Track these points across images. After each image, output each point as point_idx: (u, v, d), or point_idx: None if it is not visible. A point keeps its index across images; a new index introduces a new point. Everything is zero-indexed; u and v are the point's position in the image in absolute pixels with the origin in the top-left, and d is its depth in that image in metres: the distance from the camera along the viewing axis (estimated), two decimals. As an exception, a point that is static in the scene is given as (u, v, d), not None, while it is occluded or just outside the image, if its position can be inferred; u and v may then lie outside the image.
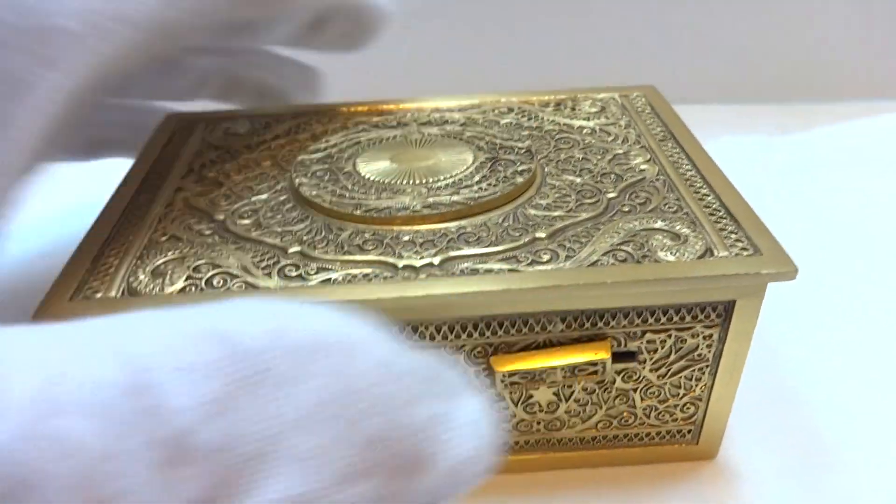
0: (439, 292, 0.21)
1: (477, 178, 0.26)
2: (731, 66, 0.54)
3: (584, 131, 0.29)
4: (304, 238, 0.23)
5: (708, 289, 0.22)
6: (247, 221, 0.24)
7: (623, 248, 0.22)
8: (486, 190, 0.25)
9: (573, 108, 0.31)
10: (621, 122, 0.30)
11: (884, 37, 0.54)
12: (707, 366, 0.24)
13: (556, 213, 0.24)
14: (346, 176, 0.26)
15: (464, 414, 0.14)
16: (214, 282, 0.22)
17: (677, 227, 0.23)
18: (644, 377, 0.24)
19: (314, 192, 0.25)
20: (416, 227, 0.23)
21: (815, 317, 0.33)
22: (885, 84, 0.54)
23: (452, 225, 0.24)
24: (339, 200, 0.25)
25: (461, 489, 0.14)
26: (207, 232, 0.24)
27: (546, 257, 0.22)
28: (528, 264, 0.22)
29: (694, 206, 0.24)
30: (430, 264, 0.22)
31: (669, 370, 0.24)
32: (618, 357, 0.23)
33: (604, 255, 0.22)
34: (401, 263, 0.22)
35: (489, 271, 0.21)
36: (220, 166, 0.28)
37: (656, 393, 0.24)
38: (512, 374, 0.22)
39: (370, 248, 0.23)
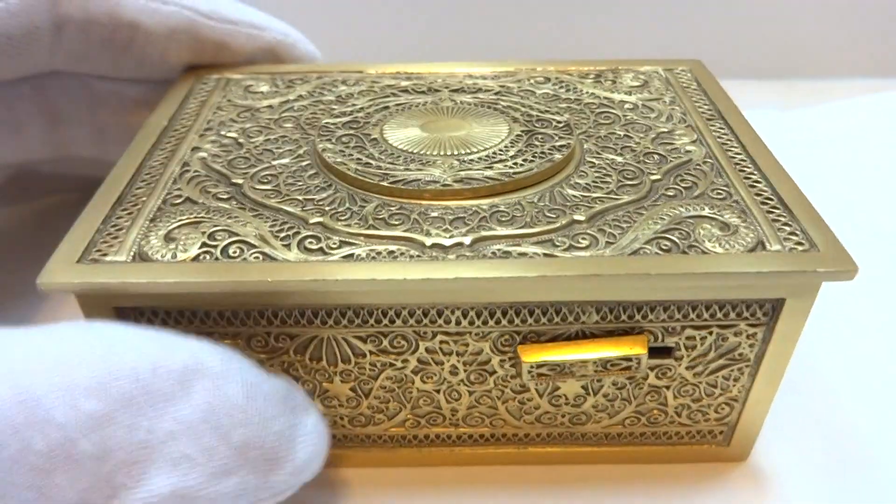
0: (469, 276, 0.19)
1: (512, 151, 0.24)
2: (738, 42, 0.53)
3: (626, 106, 0.28)
4: (327, 208, 0.22)
5: (757, 286, 0.20)
6: (266, 187, 0.23)
7: (668, 236, 0.21)
8: (521, 166, 0.23)
9: (614, 81, 0.30)
10: (665, 97, 0.28)
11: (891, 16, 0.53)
12: (748, 366, 0.22)
13: (595, 195, 0.22)
14: (373, 143, 0.25)
15: (308, 425, 0.18)
16: (231, 251, 0.20)
17: (726, 216, 0.21)
18: (679, 374, 0.22)
19: (338, 160, 0.24)
20: (445, 203, 0.22)
21: (856, 312, 0.31)
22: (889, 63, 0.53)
23: (485, 202, 0.22)
24: (365, 170, 0.23)
25: (305, 481, 0.18)
26: (224, 196, 0.23)
27: (585, 242, 0.20)
28: (566, 249, 0.20)
29: (744, 194, 0.22)
30: (460, 244, 0.20)
31: (707, 368, 0.22)
32: (654, 352, 0.22)
33: (647, 242, 0.20)
34: (429, 241, 0.20)
35: (523, 255, 0.20)
36: (241, 126, 0.27)
37: (690, 391, 0.23)
38: (540, 365, 0.21)
39: (397, 222, 0.21)
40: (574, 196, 0.22)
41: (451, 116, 0.26)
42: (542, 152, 0.24)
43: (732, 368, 0.22)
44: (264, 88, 0.29)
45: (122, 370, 0.15)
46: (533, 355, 0.21)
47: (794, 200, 0.22)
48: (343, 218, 0.21)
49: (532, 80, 0.30)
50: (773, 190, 0.23)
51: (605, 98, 0.28)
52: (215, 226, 0.21)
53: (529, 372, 0.21)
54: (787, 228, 0.21)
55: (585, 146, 0.25)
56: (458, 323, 0.21)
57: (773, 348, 0.22)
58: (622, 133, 0.26)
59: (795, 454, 0.25)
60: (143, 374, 0.15)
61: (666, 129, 0.26)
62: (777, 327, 0.21)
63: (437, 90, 0.28)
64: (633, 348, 0.21)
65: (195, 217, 0.22)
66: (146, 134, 0.26)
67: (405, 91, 0.28)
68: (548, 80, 0.30)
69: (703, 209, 0.22)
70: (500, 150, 0.24)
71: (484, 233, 0.21)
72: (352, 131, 0.25)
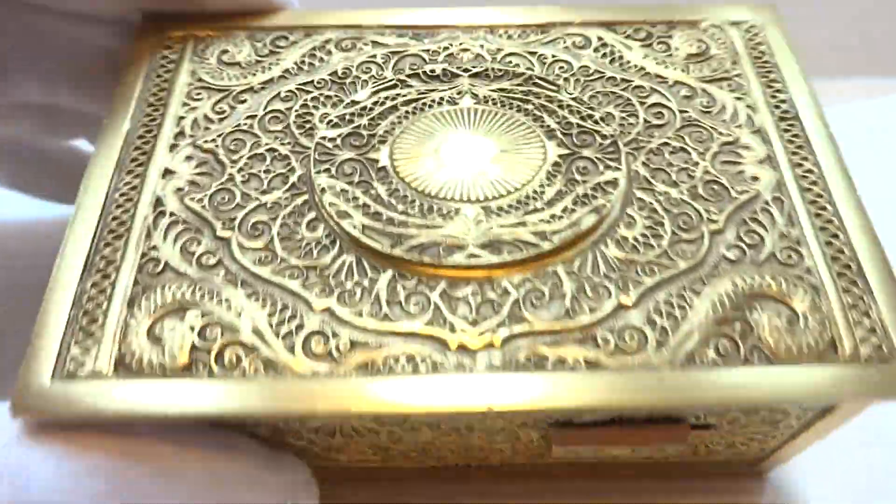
0: (502, 407, 0.17)
1: (549, 192, 0.20)
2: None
3: (682, 93, 0.23)
4: (332, 280, 0.19)
5: (819, 397, 0.18)
6: (258, 244, 0.19)
7: (727, 331, 0.18)
8: (559, 219, 0.20)
9: (667, 46, 0.24)
10: (731, 75, 0.23)
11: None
12: (791, 432, 0.21)
13: (646, 257, 0.19)
14: (382, 178, 0.20)
15: None
16: (226, 357, 0.18)
17: (795, 299, 0.18)
18: (717, 433, 0.21)
19: (342, 209, 0.20)
20: (471, 274, 0.19)
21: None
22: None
23: (517, 277, 0.19)
24: (374, 226, 0.19)
25: None
26: (210, 262, 0.19)
27: (633, 342, 0.18)
28: (611, 353, 0.18)
29: (818, 256, 0.19)
30: (490, 344, 0.18)
31: (748, 430, 0.21)
32: (695, 427, 0.20)
33: (703, 339, 0.18)
34: (454, 342, 0.18)
35: (562, 363, 0.18)
36: (218, 129, 0.22)
37: (727, 441, 0.22)
38: (572, 451, 0.20)
39: (415, 309, 0.18)
40: (621, 261, 0.19)
41: (474, 129, 0.22)
42: (585, 195, 0.20)
43: (775, 431, 0.21)
44: (243, 56, 0.24)
45: None
46: (566, 442, 0.20)
47: (877, 270, 0.19)
48: (352, 298, 0.18)
49: (569, 42, 0.24)
50: (852, 248, 0.19)
51: (658, 77, 0.23)
52: (204, 315, 0.18)
53: (560, 451, 0.20)
54: (867, 320, 0.18)
55: (634, 166, 0.21)
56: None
57: (821, 424, 0.20)
58: (677, 145, 0.21)
59: (818, 471, 0.25)
60: None
61: (730, 138, 0.22)
62: (829, 415, 0.19)
63: (454, 74, 0.23)
64: (674, 437, 0.19)
65: (180, 298, 0.19)
66: (106, 145, 0.22)
67: (415, 75, 0.23)
68: (587, 41, 0.24)
69: (770, 283, 0.19)
70: (535, 193, 0.20)
71: (516, 327, 0.18)
72: (354, 154, 0.21)
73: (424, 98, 0.22)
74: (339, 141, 0.21)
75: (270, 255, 0.19)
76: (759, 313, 0.18)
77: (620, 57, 0.24)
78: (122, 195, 0.21)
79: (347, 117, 0.22)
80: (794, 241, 0.20)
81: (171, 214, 0.20)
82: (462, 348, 0.18)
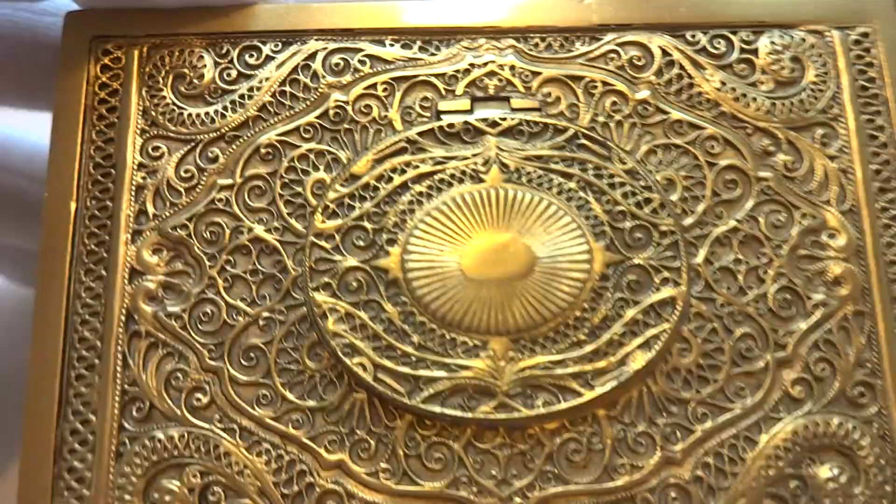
0: None
1: (595, 318, 0.17)
2: None
3: (762, 144, 0.18)
4: (342, 429, 0.17)
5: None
6: (254, 378, 0.17)
7: (779, 490, 0.16)
8: (605, 355, 0.17)
9: (751, 69, 0.19)
10: (827, 122, 0.18)
11: None
12: None
13: (698, 396, 0.17)
14: (393, 293, 0.17)
15: None
16: None
17: (860, 447, 0.16)
18: None
19: (346, 342, 0.17)
20: (499, 418, 0.17)
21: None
22: None
23: (552, 424, 0.17)
24: (387, 364, 0.17)
25: None
26: (202, 401, 0.17)
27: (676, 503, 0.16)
28: None
29: (892, 395, 0.17)
30: (521, 510, 0.16)
31: None
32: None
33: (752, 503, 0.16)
34: (479, 509, 0.16)
35: (599, 541, 0.16)
36: (187, 203, 0.18)
37: None
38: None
39: (438, 465, 0.16)
40: (671, 401, 0.17)
41: (504, 224, 0.17)
42: (636, 322, 0.17)
43: None
44: (205, 80, 0.18)
45: None
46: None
47: None
48: (365, 453, 0.16)
49: (624, 60, 0.19)
50: None
51: (735, 121, 0.18)
52: (205, 473, 0.16)
53: None
54: None
55: (694, 261, 0.17)
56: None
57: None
58: (750, 231, 0.18)
59: None
60: None
61: (814, 222, 0.18)
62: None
63: (478, 130, 0.18)
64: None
65: (175, 452, 0.16)
66: (53, 234, 0.18)
67: (428, 132, 0.18)
68: (648, 56, 0.18)
69: (834, 431, 0.17)
70: (577, 320, 0.17)
71: (551, 487, 0.16)
72: (358, 261, 0.17)
73: (441, 171, 0.18)
74: (338, 239, 0.17)
75: (270, 394, 0.17)
76: (817, 467, 0.17)
77: (689, 85, 0.19)
78: (85, 306, 0.17)
79: (347, 201, 0.18)
80: (869, 371, 0.17)
81: (148, 335, 0.17)
82: (490, 514, 0.16)
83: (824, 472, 0.16)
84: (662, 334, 0.17)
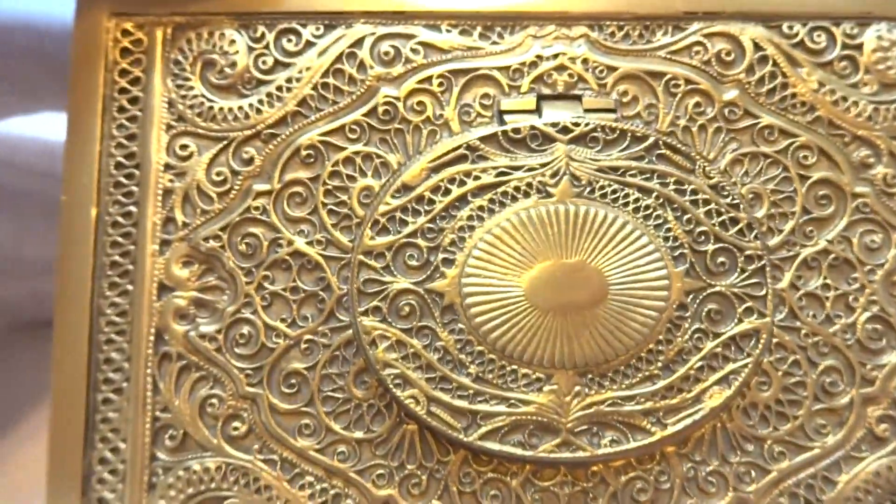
0: None
1: (670, 352, 0.15)
2: None
3: (861, 156, 0.16)
4: (391, 463, 0.15)
5: None
6: (295, 406, 0.15)
7: None
8: (679, 392, 0.15)
9: (853, 68, 0.16)
10: None
11: None
12: None
13: (776, 434, 0.16)
14: (448, 323, 0.15)
15: None
16: None
17: (947, 496, 0.16)
18: None
19: (398, 374, 0.15)
20: (561, 457, 0.15)
21: None
22: None
23: (617, 462, 0.15)
24: (441, 397, 0.15)
25: None
26: (241, 431, 0.16)
27: None
28: None
29: None
30: (581, 558, 0.15)
31: None
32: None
33: None
34: (539, 551, 0.15)
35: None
36: (220, 210, 0.16)
37: None
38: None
39: (494, 503, 0.15)
40: (744, 438, 0.16)
41: (574, 245, 0.16)
42: (714, 356, 0.15)
43: None
44: (237, 68, 0.16)
45: None
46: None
47: None
48: (416, 489, 0.15)
49: (711, 54, 0.16)
50: None
51: (832, 128, 0.16)
52: None
53: None
54: None
55: (780, 285, 0.16)
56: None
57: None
58: (841, 253, 0.16)
59: None
60: None
61: None
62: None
63: (547, 137, 0.16)
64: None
65: (212, 484, 0.15)
66: (72, 239, 0.16)
67: (491, 137, 0.16)
68: (738, 49, 0.16)
69: None
70: (651, 353, 0.15)
71: (614, 530, 0.15)
72: (411, 283, 0.15)
73: (505, 183, 0.16)
74: (389, 258, 0.16)
75: (313, 423, 0.16)
76: None
77: (783, 86, 0.16)
78: (110, 324, 0.16)
79: (399, 216, 0.16)
80: None
81: (179, 357, 0.16)
82: (549, 558, 0.15)
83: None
84: (743, 370, 0.15)
